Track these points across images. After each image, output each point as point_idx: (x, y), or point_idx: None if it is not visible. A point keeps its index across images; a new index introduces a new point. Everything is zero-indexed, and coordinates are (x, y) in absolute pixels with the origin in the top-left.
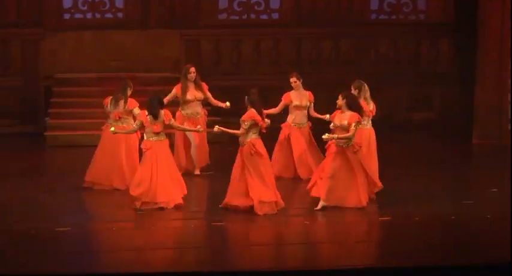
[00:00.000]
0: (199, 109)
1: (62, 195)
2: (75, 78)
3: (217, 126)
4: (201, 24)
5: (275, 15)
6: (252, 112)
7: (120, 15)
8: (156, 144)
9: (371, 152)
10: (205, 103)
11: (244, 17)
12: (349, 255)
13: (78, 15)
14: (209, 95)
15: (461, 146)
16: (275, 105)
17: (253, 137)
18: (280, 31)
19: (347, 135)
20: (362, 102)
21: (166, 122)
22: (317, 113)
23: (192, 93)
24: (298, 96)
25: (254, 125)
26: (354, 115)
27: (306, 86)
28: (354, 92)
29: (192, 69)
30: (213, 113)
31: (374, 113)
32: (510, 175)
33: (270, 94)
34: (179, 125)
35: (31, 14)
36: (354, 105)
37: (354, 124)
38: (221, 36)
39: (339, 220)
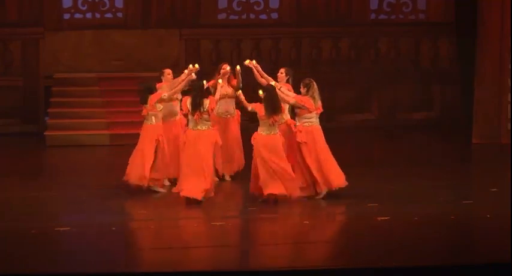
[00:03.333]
0: (231, 108)
1: (61, 195)
2: (75, 78)
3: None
4: (201, 23)
5: (274, 15)
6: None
7: (120, 15)
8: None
9: (322, 149)
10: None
11: (244, 16)
12: (346, 255)
13: (78, 15)
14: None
15: (462, 146)
16: None
17: None
18: (279, 31)
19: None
20: (309, 99)
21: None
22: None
23: (224, 89)
24: None
25: None
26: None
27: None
28: (302, 90)
29: (225, 65)
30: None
31: (321, 111)
32: (510, 175)
33: None
34: None
35: (31, 14)
36: (271, 100)
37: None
38: (221, 35)
39: (334, 219)
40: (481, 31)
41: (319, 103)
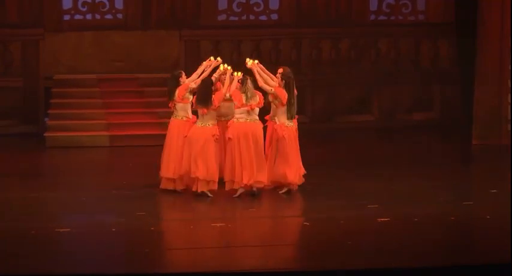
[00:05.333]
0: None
1: (61, 195)
2: (75, 79)
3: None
4: (201, 24)
5: (274, 16)
6: None
7: (120, 16)
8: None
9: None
10: None
11: (244, 17)
12: (346, 256)
13: (78, 16)
14: None
15: (462, 146)
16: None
17: None
18: (279, 32)
19: None
20: (241, 96)
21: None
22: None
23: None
24: None
25: None
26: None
27: (307, 86)
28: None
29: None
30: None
31: (251, 107)
32: (510, 176)
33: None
34: None
35: (31, 15)
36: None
37: None
38: (221, 36)
39: (334, 221)
40: (481, 31)
41: (253, 101)
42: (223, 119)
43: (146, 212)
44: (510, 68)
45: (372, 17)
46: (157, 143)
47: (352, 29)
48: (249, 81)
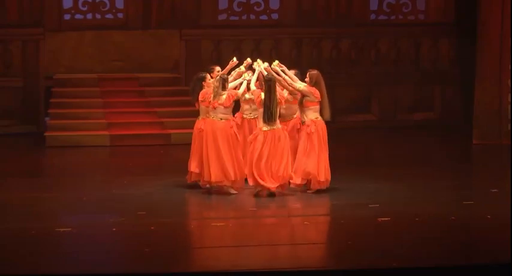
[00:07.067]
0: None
1: (62, 195)
2: (75, 78)
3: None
4: (202, 24)
5: (275, 16)
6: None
7: (120, 15)
8: None
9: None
10: None
11: (244, 17)
12: (346, 256)
13: (78, 16)
14: None
15: (462, 146)
16: None
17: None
18: (280, 31)
19: None
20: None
21: None
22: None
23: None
24: None
25: None
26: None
27: None
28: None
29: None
30: None
31: (214, 106)
32: (510, 175)
33: None
34: None
35: (31, 15)
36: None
37: None
38: (221, 36)
39: (335, 220)
40: (481, 31)
41: (217, 100)
42: (287, 120)
43: (147, 211)
44: (510, 68)
45: (372, 16)
46: (157, 143)
47: (353, 29)
48: (219, 81)
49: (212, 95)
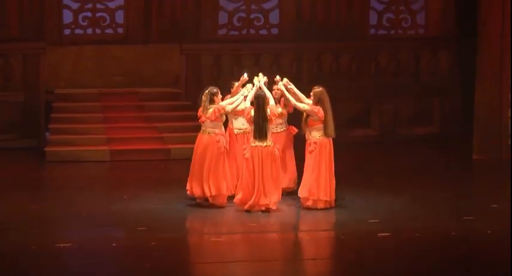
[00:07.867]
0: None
1: (62, 210)
2: (75, 93)
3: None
4: (202, 39)
5: (274, 30)
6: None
7: (120, 30)
8: None
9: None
10: None
11: (244, 32)
12: (346, 271)
13: (78, 31)
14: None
15: (462, 161)
16: None
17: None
18: (280, 46)
19: None
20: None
21: None
22: None
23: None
24: None
25: None
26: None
27: None
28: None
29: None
30: None
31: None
32: (510, 191)
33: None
34: None
35: (32, 29)
36: None
37: None
38: (221, 51)
39: (335, 236)
40: (481, 31)
41: (205, 114)
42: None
43: (147, 226)
44: (510, 79)
45: (372, 31)
46: (158, 158)
47: (352, 43)
48: (206, 95)
49: (201, 109)
